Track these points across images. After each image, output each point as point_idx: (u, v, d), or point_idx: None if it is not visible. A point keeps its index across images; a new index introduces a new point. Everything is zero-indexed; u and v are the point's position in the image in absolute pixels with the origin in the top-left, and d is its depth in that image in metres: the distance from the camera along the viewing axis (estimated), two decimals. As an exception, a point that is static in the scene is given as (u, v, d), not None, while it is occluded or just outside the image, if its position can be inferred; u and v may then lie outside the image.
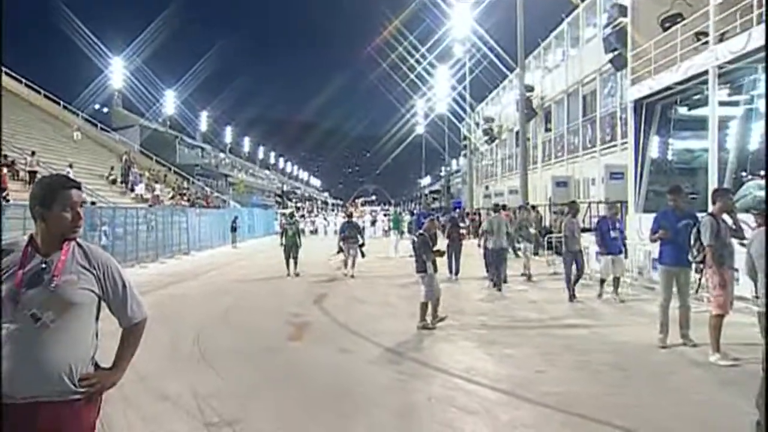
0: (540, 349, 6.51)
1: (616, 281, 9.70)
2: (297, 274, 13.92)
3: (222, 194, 47.56)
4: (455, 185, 62.01)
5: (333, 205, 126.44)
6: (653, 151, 14.68)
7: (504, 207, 19.87)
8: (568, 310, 9.03)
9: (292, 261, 14.20)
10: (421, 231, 8.05)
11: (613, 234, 9.57)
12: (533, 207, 19.66)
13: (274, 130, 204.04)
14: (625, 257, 9.94)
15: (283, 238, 14.51)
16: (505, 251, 11.59)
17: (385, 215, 39.71)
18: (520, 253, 15.14)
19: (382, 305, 10.01)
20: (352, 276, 13.46)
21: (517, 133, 28.19)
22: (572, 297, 9.67)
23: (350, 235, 14.13)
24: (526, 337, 7.22)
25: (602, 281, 9.87)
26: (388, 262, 18.29)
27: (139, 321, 2.32)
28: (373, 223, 36.54)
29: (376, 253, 19.42)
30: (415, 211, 36.41)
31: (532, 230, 13.69)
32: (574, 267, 9.87)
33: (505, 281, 11.30)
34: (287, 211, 15.88)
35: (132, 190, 28.68)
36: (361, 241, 14.16)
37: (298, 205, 69.80)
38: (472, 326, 7.86)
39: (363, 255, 14.16)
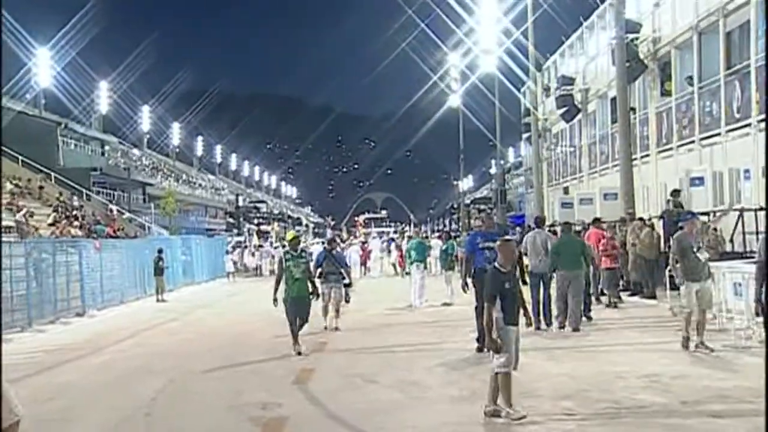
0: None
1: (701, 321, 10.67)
2: (299, 353, 12.61)
3: (139, 215, 47.82)
4: (513, 189, 61.98)
5: (318, 226, 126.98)
6: None
7: (598, 221, 19.99)
8: (704, 387, 8.86)
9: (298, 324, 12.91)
10: (497, 264, 7.90)
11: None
12: (641, 219, 19.54)
13: (222, 111, 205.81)
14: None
15: (285, 287, 12.90)
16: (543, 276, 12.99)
17: (389, 241, 39.75)
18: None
19: (402, 385, 9.92)
20: (336, 328, 14.96)
21: (613, 100, 28.09)
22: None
23: (330, 270, 15.46)
24: None
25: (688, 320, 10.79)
26: (404, 314, 18.23)
27: (6, 427, 2.25)
28: (388, 251, 36.60)
29: (385, 302, 19.37)
30: (453, 233, 36.26)
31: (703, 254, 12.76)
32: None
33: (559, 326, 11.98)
34: (288, 237, 13.80)
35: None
36: (346, 280, 15.68)
37: (268, 228, 69.87)
38: (551, 415, 7.70)
39: (348, 299, 15.18)
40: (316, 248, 27.60)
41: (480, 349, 11.37)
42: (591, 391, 8.81)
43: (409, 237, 28.00)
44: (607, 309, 17.00)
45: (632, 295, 18.60)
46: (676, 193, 21.19)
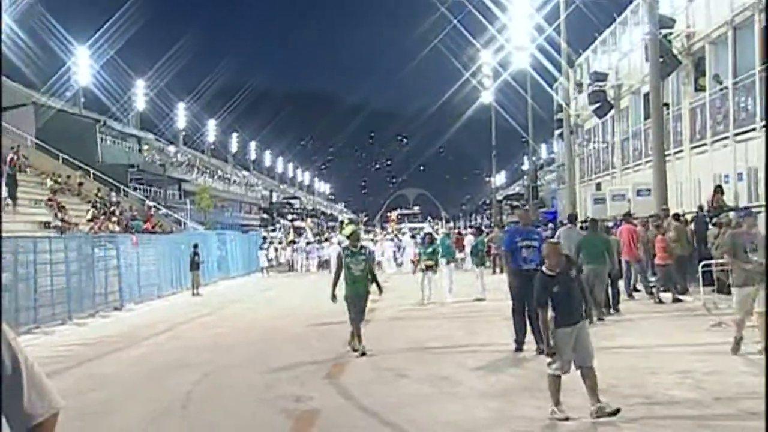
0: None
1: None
2: (363, 353, 11.85)
3: (175, 211, 48.23)
4: (546, 185, 61.62)
5: (351, 222, 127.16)
6: None
7: (629, 215, 19.85)
8: (737, 384, 8.76)
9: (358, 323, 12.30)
10: (544, 269, 7.72)
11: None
12: (676, 216, 19.35)
13: (256, 108, 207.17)
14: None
15: (345, 283, 12.24)
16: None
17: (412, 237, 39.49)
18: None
19: (433, 379, 9.94)
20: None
21: (646, 95, 27.85)
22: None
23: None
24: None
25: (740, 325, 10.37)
26: (435, 309, 18.26)
27: (44, 420, 2.27)
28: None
29: (416, 297, 19.40)
30: (483, 228, 36.14)
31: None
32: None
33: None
34: (346, 232, 12.65)
35: (14, 204, 28.82)
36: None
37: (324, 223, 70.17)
38: (581, 409, 7.67)
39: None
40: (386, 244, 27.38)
41: (518, 350, 11.30)
42: (622, 386, 8.75)
43: (433, 233, 27.82)
44: (660, 304, 16.80)
45: (664, 291, 18.45)
46: (719, 189, 20.94)
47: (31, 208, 30.44)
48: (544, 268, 7.68)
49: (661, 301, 16.93)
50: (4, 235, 20.40)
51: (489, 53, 55.31)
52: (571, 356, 7.40)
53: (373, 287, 12.37)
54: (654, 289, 17.47)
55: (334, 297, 12.18)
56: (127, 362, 12.83)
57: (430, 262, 19.73)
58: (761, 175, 21.29)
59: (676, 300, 16.79)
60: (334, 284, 12.26)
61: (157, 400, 9.42)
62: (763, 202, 19.68)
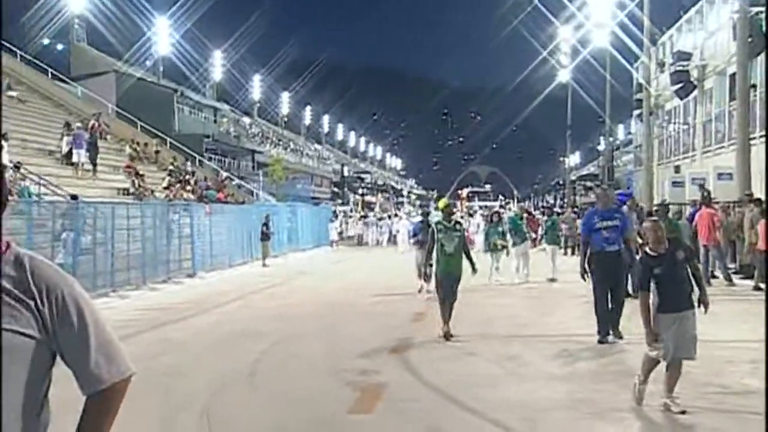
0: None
1: None
2: (445, 335, 11.29)
3: (248, 182, 48.85)
4: (622, 167, 60.48)
5: (421, 198, 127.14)
6: None
7: (708, 198, 19.27)
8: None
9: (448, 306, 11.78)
10: (648, 249, 7.34)
11: None
12: (758, 201, 18.74)
13: (330, 81, 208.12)
14: None
15: (434, 259, 11.82)
16: None
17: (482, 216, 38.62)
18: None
19: (501, 359, 9.88)
20: (428, 291, 14.62)
21: (732, 76, 26.94)
22: None
23: (425, 239, 15.00)
24: (743, 423, 6.81)
25: None
26: (504, 288, 18.10)
27: (110, 384, 2.21)
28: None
29: (485, 275, 19.21)
30: (554, 210, 35.54)
31: None
32: None
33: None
34: (441, 205, 12.42)
35: (94, 169, 29.39)
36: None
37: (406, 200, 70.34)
38: (654, 395, 7.51)
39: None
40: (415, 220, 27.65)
41: (602, 342, 10.52)
42: (697, 373, 8.51)
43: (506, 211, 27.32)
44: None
45: (744, 278, 17.92)
46: None
47: (110, 175, 31.19)
48: (647, 249, 7.32)
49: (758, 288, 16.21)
50: (85, 199, 20.96)
51: (568, 30, 54.39)
52: (672, 343, 6.97)
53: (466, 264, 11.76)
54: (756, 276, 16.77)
55: (426, 276, 11.72)
56: (197, 329, 13.09)
57: (499, 242, 19.51)
58: None
59: (757, 288, 16.25)
60: (427, 260, 12.07)
61: (226, 367, 9.57)
62: None
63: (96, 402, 2.23)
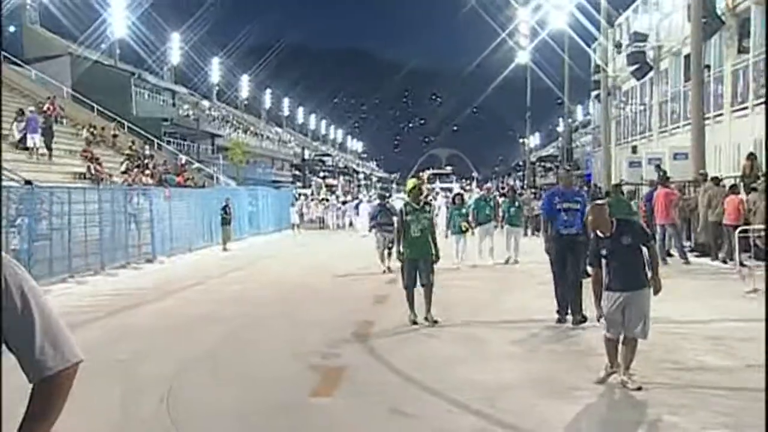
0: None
1: None
2: (435, 321, 10.98)
3: (207, 165, 48.50)
4: (580, 148, 61.05)
5: (383, 181, 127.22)
6: None
7: (665, 178, 19.55)
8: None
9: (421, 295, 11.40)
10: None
11: None
12: (715, 180, 19.07)
13: (290, 64, 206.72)
14: None
15: (401, 245, 11.35)
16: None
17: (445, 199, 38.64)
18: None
19: (462, 340, 9.96)
20: (389, 269, 17.27)
21: (687, 57, 27.28)
22: None
23: (384, 222, 18.26)
24: (699, 399, 6.95)
25: None
26: (464, 271, 18.16)
27: (56, 372, 2.20)
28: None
29: (447, 258, 19.25)
30: (519, 190, 35.62)
31: None
32: None
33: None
34: (408, 186, 11.82)
35: (50, 154, 29.00)
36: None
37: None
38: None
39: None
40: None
41: (560, 321, 10.57)
42: (653, 351, 8.67)
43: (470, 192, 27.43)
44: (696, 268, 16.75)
45: (699, 256, 18.25)
46: (752, 156, 20.52)
47: (67, 159, 30.76)
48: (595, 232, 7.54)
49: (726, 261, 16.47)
50: (40, 184, 20.62)
51: (527, 12, 54.75)
52: (621, 321, 7.17)
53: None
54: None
55: (400, 254, 11.26)
56: (157, 314, 12.98)
57: (464, 224, 19.31)
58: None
59: (725, 262, 16.52)
60: (398, 243, 11.53)
61: (187, 352, 9.52)
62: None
63: (42, 390, 2.22)
